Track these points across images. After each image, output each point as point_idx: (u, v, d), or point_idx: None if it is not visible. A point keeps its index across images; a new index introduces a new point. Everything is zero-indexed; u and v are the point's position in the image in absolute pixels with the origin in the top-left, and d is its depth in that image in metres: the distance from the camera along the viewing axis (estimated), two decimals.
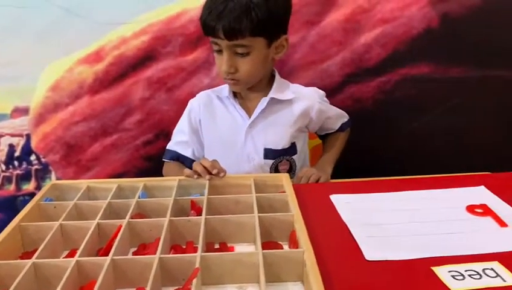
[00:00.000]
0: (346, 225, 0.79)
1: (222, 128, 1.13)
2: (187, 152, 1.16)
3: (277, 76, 1.13)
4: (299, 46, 1.43)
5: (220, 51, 1.01)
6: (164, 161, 1.20)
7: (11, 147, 1.47)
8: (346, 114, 1.24)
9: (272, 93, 1.09)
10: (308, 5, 1.39)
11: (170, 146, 1.19)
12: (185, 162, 1.15)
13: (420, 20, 1.41)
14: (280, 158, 1.12)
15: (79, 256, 0.66)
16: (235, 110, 1.12)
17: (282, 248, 0.74)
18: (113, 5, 1.36)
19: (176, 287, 0.64)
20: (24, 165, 1.49)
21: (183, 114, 1.19)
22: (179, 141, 1.17)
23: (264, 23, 0.96)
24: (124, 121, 1.46)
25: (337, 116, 1.22)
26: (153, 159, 1.46)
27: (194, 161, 1.14)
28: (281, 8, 1.02)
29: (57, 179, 1.49)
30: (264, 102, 1.09)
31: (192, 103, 1.18)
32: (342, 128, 1.23)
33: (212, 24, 0.96)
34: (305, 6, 1.39)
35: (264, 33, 0.99)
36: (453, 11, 1.41)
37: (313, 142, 1.34)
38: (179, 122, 1.19)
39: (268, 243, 0.74)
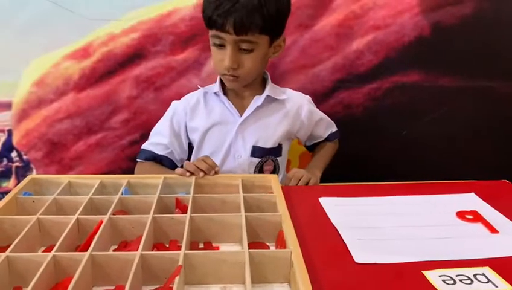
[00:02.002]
0: (335, 227, 0.77)
1: (211, 126, 1.10)
2: (165, 153, 1.11)
3: (268, 77, 1.12)
4: (290, 49, 1.42)
5: (221, 46, 0.99)
6: (137, 161, 1.14)
7: None
8: (334, 124, 1.24)
9: (268, 92, 1.08)
10: (301, 8, 1.38)
11: (146, 146, 1.12)
12: (163, 161, 1.11)
13: (412, 28, 1.42)
14: (266, 157, 1.11)
15: (56, 251, 0.62)
16: (224, 107, 1.10)
17: (269, 249, 0.71)
18: (102, 0, 1.33)
19: (157, 286, 0.62)
20: (4, 162, 1.44)
21: (165, 116, 1.13)
22: (157, 143, 1.11)
23: (273, 21, 0.97)
24: (110, 119, 1.43)
25: (326, 123, 1.22)
26: None
27: (171, 160, 1.11)
28: (286, 7, 1.02)
29: None
30: (260, 99, 1.08)
31: (177, 107, 1.13)
32: (330, 138, 1.22)
33: (222, 17, 0.94)
34: (299, 10, 1.38)
35: (270, 31, 0.98)
36: (445, 21, 1.42)
37: (302, 148, 1.32)
38: (158, 124, 1.14)
39: (255, 244, 0.72)
